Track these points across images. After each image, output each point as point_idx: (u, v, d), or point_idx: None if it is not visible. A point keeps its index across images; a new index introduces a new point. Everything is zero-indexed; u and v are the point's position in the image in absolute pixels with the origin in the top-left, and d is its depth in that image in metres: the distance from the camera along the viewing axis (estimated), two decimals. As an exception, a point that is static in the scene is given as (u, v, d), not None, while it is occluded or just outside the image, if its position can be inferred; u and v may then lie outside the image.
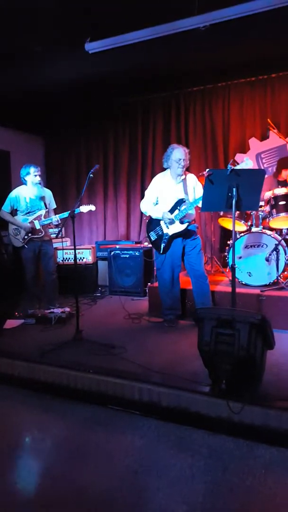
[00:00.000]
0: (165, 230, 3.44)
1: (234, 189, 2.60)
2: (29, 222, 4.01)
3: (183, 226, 3.37)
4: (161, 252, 3.46)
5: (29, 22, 3.46)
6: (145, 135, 5.92)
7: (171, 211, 3.42)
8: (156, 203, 3.55)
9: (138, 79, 4.99)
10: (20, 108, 5.64)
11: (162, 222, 3.46)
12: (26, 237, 3.99)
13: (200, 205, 3.12)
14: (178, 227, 3.39)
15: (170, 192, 3.47)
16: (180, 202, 3.39)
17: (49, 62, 4.32)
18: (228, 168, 2.66)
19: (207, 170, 2.78)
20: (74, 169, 6.45)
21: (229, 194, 2.63)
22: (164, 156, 3.50)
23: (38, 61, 4.28)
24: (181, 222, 3.37)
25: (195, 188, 3.51)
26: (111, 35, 3.68)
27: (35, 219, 4.03)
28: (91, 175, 3.32)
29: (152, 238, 3.53)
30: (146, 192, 3.63)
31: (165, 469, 1.79)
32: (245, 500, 1.61)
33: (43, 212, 4.07)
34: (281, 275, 3.65)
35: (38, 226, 4.01)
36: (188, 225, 3.39)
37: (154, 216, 3.53)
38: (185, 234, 3.43)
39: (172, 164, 3.43)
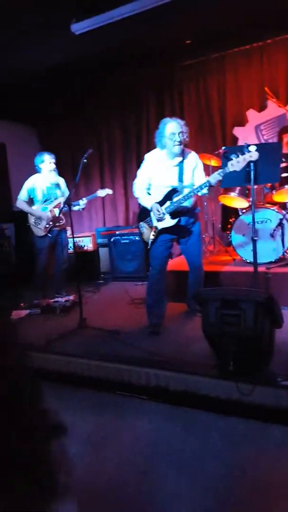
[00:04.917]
0: (155, 223, 2.95)
1: (251, 164, 2.60)
2: (49, 211, 3.94)
3: (173, 222, 2.87)
4: (148, 247, 3.01)
5: (13, 7, 3.28)
6: (139, 114, 5.73)
7: (162, 202, 2.90)
8: (149, 188, 3.02)
9: (128, 56, 4.78)
10: (12, 98, 5.47)
11: (152, 213, 2.96)
12: (47, 225, 3.93)
13: (200, 193, 2.81)
14: (167, 222, 2.89)
15: (163, 177, 2.91)
16: (173, 191, 2.87)
17: (34, 46, 4.14)
18: (244, 144, 2.66)
19: (223, 148, 2.78)
20: (69, 157, 6.30)
21: (247, 169, 2.64)
22: (156, 134, 2.90)
23: (22, 46, 4.09)
24: (172, 217, 2.88)
25: (194, 171, 2.93)
26: (96, 14, 3.50)
27: (54, 207, 3.95)
28: (84, 160, 3.21)
29: (141, 229, 3.07)
30: (138, 173, 3.08)
31: (176, 453, 1.77)
32: (259, 481, 1.58)
33: (61, 199, 3.98)
34: (287, 251, 3.56)
35: (58, 214, 3.94)
36: (179, 221, 2.89)
37: (143, 205, 3.04)
38: (178, 229, 2.95)
39: (166, 142, 2.83)
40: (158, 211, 2.88)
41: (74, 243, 3.48)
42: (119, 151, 5.93)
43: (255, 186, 3.16)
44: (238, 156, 2.59)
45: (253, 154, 2.57)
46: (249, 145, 2.69)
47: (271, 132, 4.83)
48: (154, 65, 5.23)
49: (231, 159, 2.60)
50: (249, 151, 2.59)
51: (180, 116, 5.38)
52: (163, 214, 2.88)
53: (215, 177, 2.68)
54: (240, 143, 4.84)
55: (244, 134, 4.87)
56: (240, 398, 1.95)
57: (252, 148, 2.61)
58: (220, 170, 2.70)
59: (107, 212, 6.17)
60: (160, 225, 2.93)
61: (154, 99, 5.57)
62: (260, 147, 2.69)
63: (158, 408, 2.13)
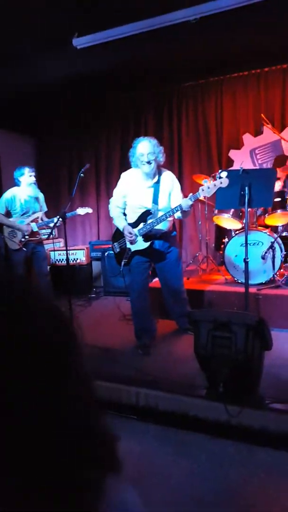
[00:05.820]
0: (128, 245, 2.88)
1: (246, 187, 2.72)
2: (27, 224, 3.92)
3: (145, 245, 2.80)
4: (121, 268, 2.94)
5: (16, 20, 3.37)
6: (137, 132, 5.84)
7: (136, 223, 2.82)
8: (125, 208, 2.95)
9: (129, 75, 4.91)
10: (9, 108, 5.53)
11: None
12: (23, 239, 3.91)
13: (177, 215, 2.78)
14: (140, 245, 2.82)
15: (138, 197, 2.82)
16: (147, 213, 2.79)
17: (37, 60, 4.23)
18: (239, 168, 2.76)
19: (219, 171, 2.82)
20: (66, 169, 6.37)
21: (242, 192, 2.74)
22: (130, 152, 2.83)
23: (25, 60, 4.18)
24: (145, 240, 2.81)
25: (170, 193, 2.85)
26: (100, 30, 3.60)
27: (32, 221, 3.95)
28: (81, 174, 3.27)
29: (115, 250, 2.99)
30: (114, 191, 3.00)
31: (165, 476, 1.76)
32: (248, 506, 1.58)
33: (39, 214, 3.99)
34: (277, 273, 3.62)
35: (35, 229, 3.94)
36: (152, 243, 2.81)
37: (117, 225, 2.96)
38: (152, 253, 2.88)
39: (137, 161, 2.77)
40: (130, 233, 2.79)
41: (67, 256, 3.49)
42: (116, 166, 6.01)
43: (249, 209, 3.25)
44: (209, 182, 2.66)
45: (223, 181, 2.60)
46: (243, 169, 2.79)
47: (266, 157, 4.98)
48: (154, 84, 5.38)
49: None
50: (220, 177, 2.63)
51: (177, 136, 5.54)
52: (136, 236, 2.81)
53: (187, 201, 2.64)
54: (235, 165, 4.97)
55: (240, 157, 5.01)
56: (229, 420, 1.96)
57: (223, 175, 2.65)
58: (191, 195, 2.69)
59: (101, 226, 6.22)
60: (133, 247, 2.86)
61: (153, 117, 5.70)
62: (255, 172, 2.80)
63: (147, 428, 2.12)
